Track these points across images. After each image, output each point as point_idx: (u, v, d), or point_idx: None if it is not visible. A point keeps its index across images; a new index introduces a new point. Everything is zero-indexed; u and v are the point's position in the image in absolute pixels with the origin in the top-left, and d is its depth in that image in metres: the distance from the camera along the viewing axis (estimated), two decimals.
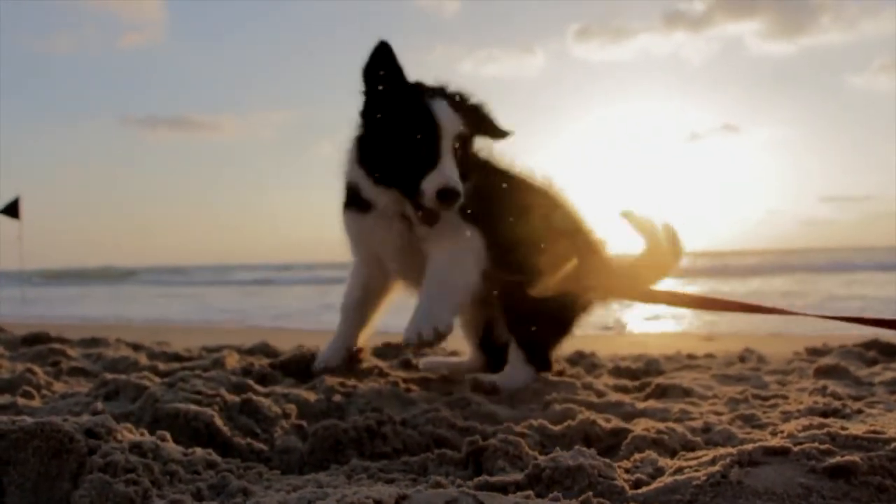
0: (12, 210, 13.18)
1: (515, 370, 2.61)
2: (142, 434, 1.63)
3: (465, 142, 2.41)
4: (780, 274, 19.46)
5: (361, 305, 2.82)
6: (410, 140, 2.32)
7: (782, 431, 1.63)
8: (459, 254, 2.50)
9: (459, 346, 3.45)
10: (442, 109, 2.34)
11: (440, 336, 2.33)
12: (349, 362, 2.80)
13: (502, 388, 2.50)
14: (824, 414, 2.02)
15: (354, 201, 2.57)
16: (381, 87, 2.40)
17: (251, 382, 2.35)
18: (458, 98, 2.45)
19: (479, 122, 2.49)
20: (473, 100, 2.51)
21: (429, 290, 2.45)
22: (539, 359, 2.68)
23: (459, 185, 2.28)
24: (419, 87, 2.42)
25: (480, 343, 2.94)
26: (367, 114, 2.47)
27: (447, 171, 2.29)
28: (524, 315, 2.60)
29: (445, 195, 2.27)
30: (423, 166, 2.30)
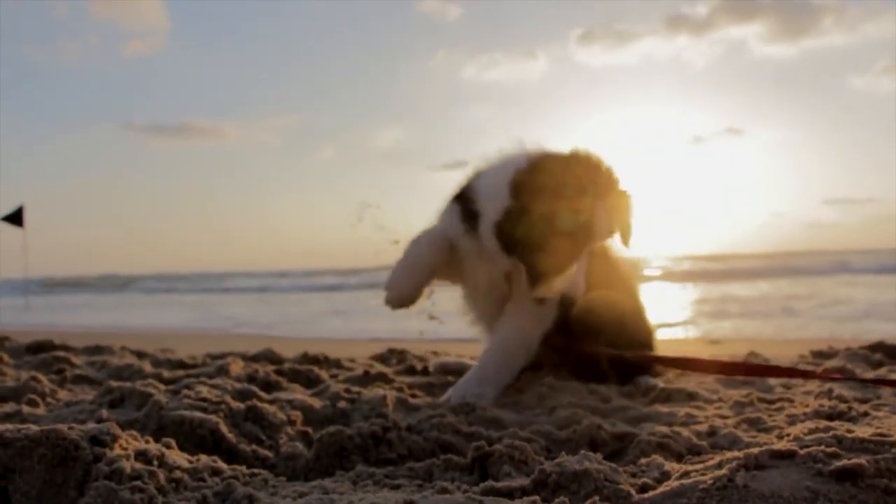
0: (16, 218, 13.21)
1: None
2: (147, 441, 1.63)
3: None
4: (784, 276, 19.42)
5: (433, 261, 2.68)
6: (562, 236, 2.35)
7: (788, 435, 1.62)
8: (528, 330, 2.61)
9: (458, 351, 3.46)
10: (600, 216, 2.38)
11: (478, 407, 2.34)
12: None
13: None
14: (830, 417, 2.01)
15: (471, 217, 2.53)
16: (544, 176, 2.38)
17: (256, 389, 2.36)
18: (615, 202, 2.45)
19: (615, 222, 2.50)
20: (627, 203, 2.49)
21: (487, 362, 2.56)
22: None
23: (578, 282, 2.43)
24: (586, 182, 2.39)
25: None
26: (527, 188, 2.38)
27: (574, 275, 2.41)
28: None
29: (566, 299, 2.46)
30: (561, 264, 2.37)
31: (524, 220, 2.37)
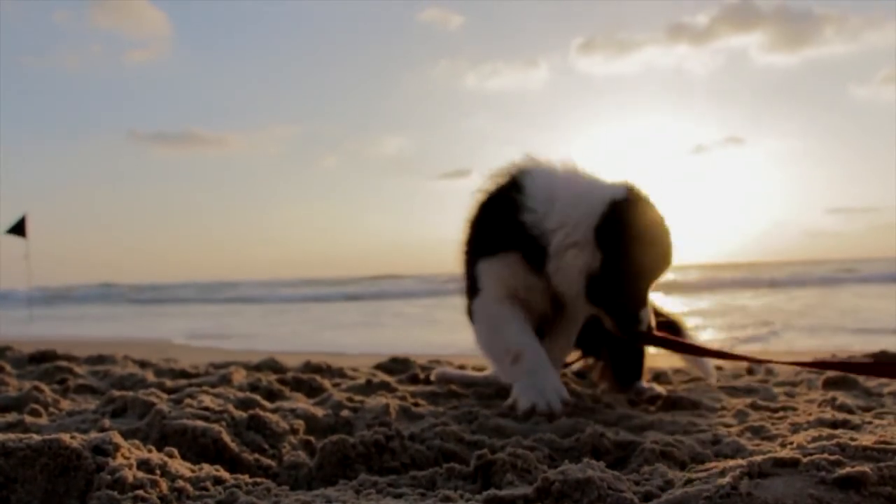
0: (19, 229, 13.23)
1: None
2: (149, 451, 1.63)
3: None
4: (787, 286, 19.39)
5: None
6: (649, 275, 2.39)
7: (792, 443, 1.62)
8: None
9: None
10: (677, 254, 2.41)
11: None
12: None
13: None
14: (833, 425, 2.01)
15: (538, 258, 2.38)
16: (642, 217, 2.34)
17: (258, 398, 2.35)
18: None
19: None
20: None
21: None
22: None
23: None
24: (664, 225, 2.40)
25: None
26: (609, 238, 2.29)
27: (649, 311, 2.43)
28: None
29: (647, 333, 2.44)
30: (642, 298, 2.40)
31: (619, 275, 2.30)
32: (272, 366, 3.48)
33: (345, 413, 2.25)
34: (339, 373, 3.43)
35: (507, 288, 2.45)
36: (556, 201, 2.35)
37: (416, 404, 2.50)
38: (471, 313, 2.57)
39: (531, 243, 2.35)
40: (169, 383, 2.97)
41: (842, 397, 2.48)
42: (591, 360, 3.06)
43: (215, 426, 1.91)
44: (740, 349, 6.36)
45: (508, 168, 2.52)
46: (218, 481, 1.58)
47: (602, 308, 2.38)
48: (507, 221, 2.40)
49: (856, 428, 1.96)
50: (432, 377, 3.10)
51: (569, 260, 2.31)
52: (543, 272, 2.36)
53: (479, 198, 2.55)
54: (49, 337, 9.31)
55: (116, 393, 2.34)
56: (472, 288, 2.53)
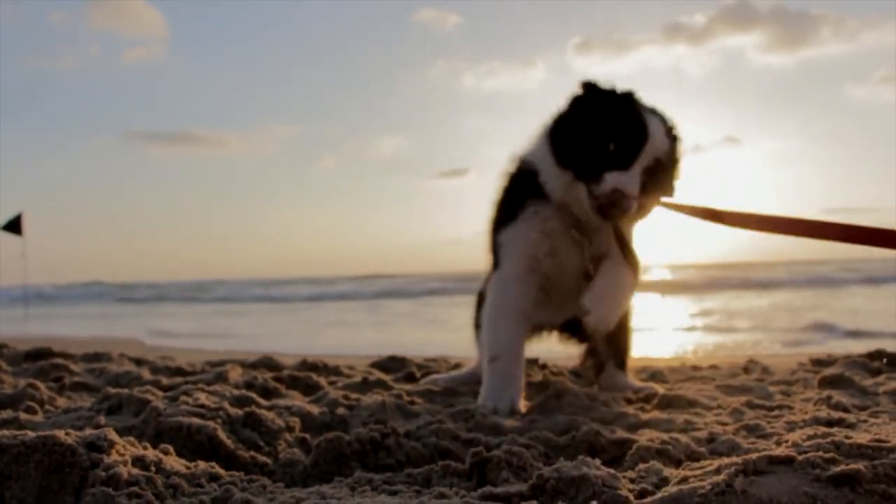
0: (14, 226, 13.20)
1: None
2: (145, 448, 1.63)
3: (655, 167, 2.42)
4: (785, 287, 19.42)
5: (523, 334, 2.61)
6: (614, 138, 2.37)
7: (787, 441, 1.62)
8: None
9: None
10: (655, 127, 2.40)
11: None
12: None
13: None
14: (829, 424, 2.01)
15: (525, 187, 2.56)
16: (599, 90, 2.47)
17: (254, 396, 2.35)
18: (670, 129, 2.49)
19: (671, 162, 2.51)
20: (680, 143, 2.54)
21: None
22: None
23: (634, 199, 2.34)
24: (636, 99, 2.47)
25: None
26: (577, 107, 2.49)
27: (631, 179, 2.34)
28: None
29: (618, 198, 2.34)
30: (614, 164, 2.35)
31: (577, 128, 2.44)
32: (268, 364, 3.48)
33: (340, 411, 2.24)
34: (336, 371, 3.43)
35: (528, 258, 2.56)
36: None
37: (412, 402, 2.50)
38: (486, 287, 2.69)
39: (544, 196, 2.51)
40: (165, 381, 2.96)
41: (837, 396, 2.49)
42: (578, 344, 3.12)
43: (211, 423, 1.90)
44: (730, 349, 6.38)
45: (522, 152, 2.67)
46: (213, 478, 1.58)
47: (576, 175, 2.44)
48: (524, 187, 2.58)
49: (851, 426, 1.96)
50: (423, 382, 3.10)
51: (559, 181, 2.48)
52: (558, 209, 2.50)
53: (501, 181, 2.72)
54: (44, 336, 9.28)
55: (112, 390, 2.33)
56: (494, 262, 2.67)
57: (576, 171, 2.43)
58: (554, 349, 3.19)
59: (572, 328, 3.05)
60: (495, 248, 2.65)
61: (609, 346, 2.98)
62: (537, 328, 3.00)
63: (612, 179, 2.33)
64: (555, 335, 3.13)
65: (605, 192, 2.34)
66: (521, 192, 2.58)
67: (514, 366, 2.49)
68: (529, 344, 2.86)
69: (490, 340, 2.54)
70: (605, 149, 2.36)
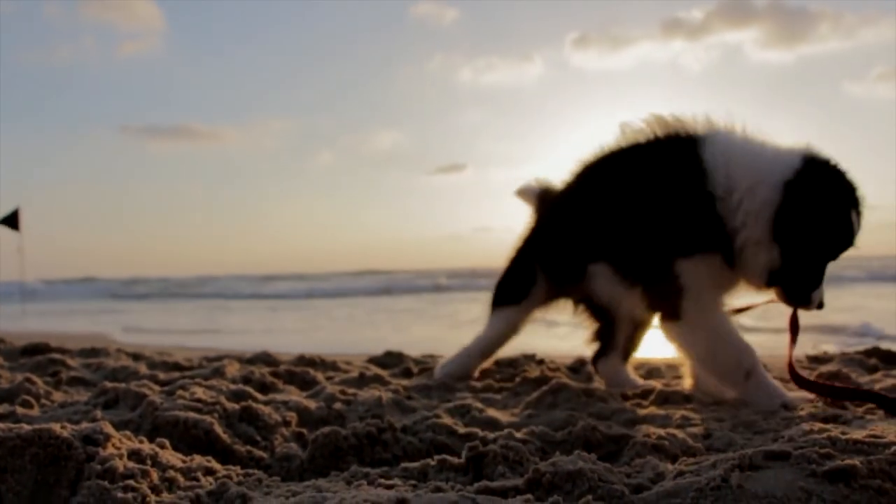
0: (12, 221, 13.19)
1: None
2: (140, 441, 1.63)
3: None
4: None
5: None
6: (827, 258, 2.35)
7: (783, 437, 1.62)
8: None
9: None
10: (857, 234, 2.34)
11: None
12: None
13: None
14: (825, 420, 2.01)
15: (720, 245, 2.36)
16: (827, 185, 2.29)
17: (251, 390, 2.35)
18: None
19: None
20: None
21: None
22: None
23: None
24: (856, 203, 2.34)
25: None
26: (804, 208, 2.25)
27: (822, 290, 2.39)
28: None
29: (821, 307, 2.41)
30: (817, 281, 2.37)
31: (797, 263, 2.31)
32: (265, 359, 3.48)
33: (337, 405, 2.24)
34: (332, 366, 3.43)
35: (717, 291, 2.44)
36: (735, 185, 2.32)
37: (409, 397, 2.50)
38: (678, 312, 2.43)
39: (728, 242, 2.34)
40: (162, 376, 2.96)
41: None
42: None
43: (207, 418, 1.90)
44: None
45: (676, 126, 2.51)
46: (209, 472, 1.58)
47: (778, 288, 2.40)
48: (702, 213, 2.35)
49: (847, 423, 1.97)
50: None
51: (751, 256, 2.33)
52: (734, 267, 2.38)
53: (650, 160, 2.54)
54: (41, 331, 9.26)
55: (108, 384, 2.33)
56: (673, 285, 2.41)
57: (786, 290, 2.39)
58: (551, 346, 3.19)
59: (590, 304, 2.95)
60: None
61: (623, 334, 2.95)
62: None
63: (817, 297, 2.38)
64: (570, 307, 3.02)
65: (813, 307, 2.41)
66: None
67: (764, 369, 2.45)
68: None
69: (736, 360, 2.39)
70: (820, 271, 2.36)
